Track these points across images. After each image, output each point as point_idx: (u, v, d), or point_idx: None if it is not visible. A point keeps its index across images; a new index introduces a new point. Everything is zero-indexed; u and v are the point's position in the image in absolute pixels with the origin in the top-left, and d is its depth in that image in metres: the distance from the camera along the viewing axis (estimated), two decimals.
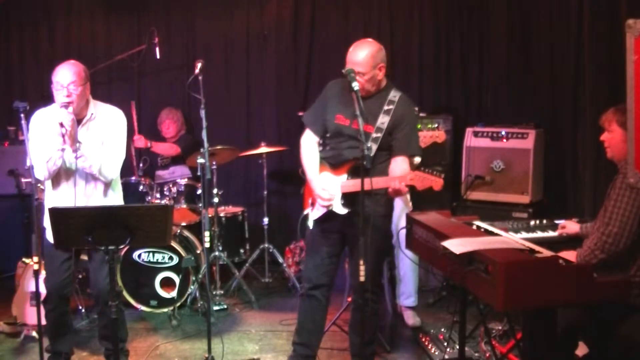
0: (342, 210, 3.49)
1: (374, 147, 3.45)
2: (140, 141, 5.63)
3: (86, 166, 3.58)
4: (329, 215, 3.53)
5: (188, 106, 6.14)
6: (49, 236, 3.54)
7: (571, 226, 3.29)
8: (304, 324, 3.74)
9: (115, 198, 3.81)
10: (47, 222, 3.59)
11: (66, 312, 3.80)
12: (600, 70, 4.51)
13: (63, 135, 3.45)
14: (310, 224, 3.61)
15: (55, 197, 3.68)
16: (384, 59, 3.46)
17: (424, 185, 3.40)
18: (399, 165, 3.48)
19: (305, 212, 3.67)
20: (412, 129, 3.55)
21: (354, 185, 3.35)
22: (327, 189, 3.48)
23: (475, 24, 5.73)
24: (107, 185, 3.73)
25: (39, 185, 3.91)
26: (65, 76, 3.54)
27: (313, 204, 3.60)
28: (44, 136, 3.58)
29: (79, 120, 3.62)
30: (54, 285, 3.67)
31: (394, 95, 3.52)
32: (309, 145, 3.66)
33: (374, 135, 3.45)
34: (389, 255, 4.60)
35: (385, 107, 3.48)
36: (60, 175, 3.64)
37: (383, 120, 3.46)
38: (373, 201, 3.41)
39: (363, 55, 3.39)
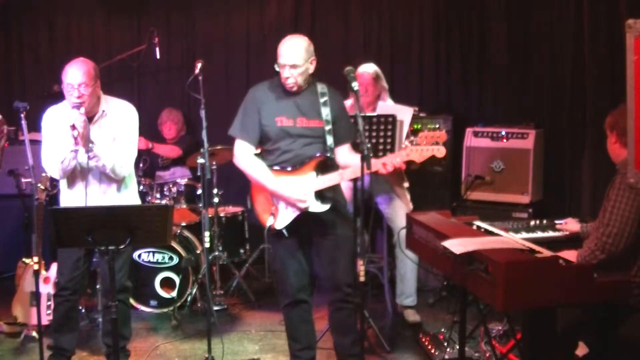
0: (320, 207, 3.42)
1: (331, 139, 3.46)
2: (140, 143, 5.62)
3: (99, 165, 3.57)
4: (299, 217, 3.46)
5: (188, 106, 6.14)
6: None
7: (572, 224, 3.29)
8: (299, 329, 3.67)
9: (130, 195, 3.78)
10: None
11: (75, 308, 3.81)
12: (600, 70, 4.51)
13: (75, 137, 3.43)
14: (285, 232, 3.48)
15: (70, 196, 3.68)
16: (313, 52, 3.49)
17: (424, 157, 3.43)
18: (350, 153, 3.51)
19: (268, 224, 3.48)
20: (347, 115, 3.54)
21: (330, 180, 3.38)
22: (299, 190, 3.40)
23: (475, 24, 5.72)
24: (121, 182, 3.71)
25: (39, 185, 3.92)
26: (76, 77, 3.49)
27: (275, 213, 3.48)
28: (56, 135, 3.56)
29: (90, 118, 3.59)
30: (66, 279, 3.67)
31: (322, 86, 3.53)
32: (250, 156, 3.51)
33: (326, 127, 3.46)
34: (387, 253, 4.62)
35: (321, 100, 3.49)
36: (75, 174, 3.63)
37: (325, 112, 3.46)
38: (336, 192, 3.49)
39: (297, 48, 3.42)
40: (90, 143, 3.51)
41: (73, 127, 3.42)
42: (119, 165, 3.62)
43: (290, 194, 3.40)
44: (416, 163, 4.40)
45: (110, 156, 3.58)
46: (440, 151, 3.45)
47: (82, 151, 3.51)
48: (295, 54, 3.40)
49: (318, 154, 3.45)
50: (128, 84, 6.28)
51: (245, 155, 3.52)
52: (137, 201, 3.88)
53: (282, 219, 3.48)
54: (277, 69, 3.48)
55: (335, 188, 3.52)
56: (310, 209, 3.43)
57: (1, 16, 6.34)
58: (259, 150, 3.59)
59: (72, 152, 3.51)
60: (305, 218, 3.45)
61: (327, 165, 3.46)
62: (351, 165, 3.40)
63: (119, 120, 3.68)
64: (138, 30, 6.25)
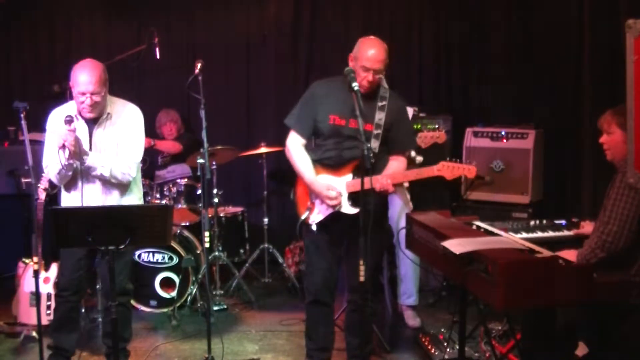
0: (350, 210, 3.46)
1: (376, 144, 3.45)
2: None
3: (98, 174, 3.54)
4: (333, 216, 3.49)
5: (187, 106, 6.14)
6: None
7: (587, 227, 3.27)
8: (317, 329, 3.68)
9: (132, 199, 3.75)
10: None
11: (77, 308, 3.81)
12: (601, 70, 4.52)
13: (66, 156, 3.37)
14: (314, 227, 3.54)
15: (70, 199, 3.65)
16: None
17: (454, 175, 3.47)
18: (400, 163, 3.54)
19: (303, 217, 3.58)
20: (408, 124, 3.56)
21: (367, 183, 3.32)
22: (334, 189, 3.45)
23: (475, 24, 5.72)
24: (125, 187, 3.67)
25: (39, 185, 3.91)
26: (88, 85, 3.43)
27: (312, 208, 3.56)
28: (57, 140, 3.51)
29: (95, 120, 3.57)
30: (67, 280, 3.67)
31: (384, 90, 3.54)
32: (299, 148, 3.58)
33: (375, 132, 3.46)
34: (388, 253, 4.61)
35: (379, 104, 3.49)
36: (75, 179, 3.59)
37: (380, 116, 3.47)
38: (378, 199, 3.44)
39: (384, 53, 3.42)
40: (85, 155, 3.46)
41: (63, 147, 3.35)
42: (119, 171, 3.57)
43: (321, 190, 3.44)
44: (415, 163, 4.41)
45: (108, 163, 3.54)
46: (471, 171, 3.47)
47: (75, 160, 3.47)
48: (383, 60, 3.42)
49: (355, 157, 3.44)
50: (128, 84, 6.26)
51: (294, 146, 3.58)
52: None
53: (316, 214, 3.53)
54: (357, 68, 3.41)
55: (373, 192, 3.43)
56: (342, 210, 3.46)
57: (1, 16, 6.34)
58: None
59: (64, 167, 3.43)
60: (339, 219, 3.48)
61: (361, 169, 3.37)
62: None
63: (124, 123, 3.65)
64: (138, 30, 6.25)
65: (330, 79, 3.62)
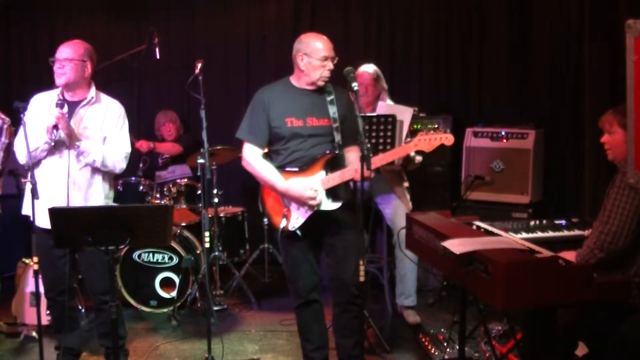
0: (332, 205, 3.43)
1: (339, 137, 3.46)
2: (142, 146, 5.65)
3: (90, 162, 3.57)
4: (312, 217, 3.45)
5: (187, 106, 6.14)
6: (40, 223, 3.41)
7: None
8: (312, 329, 3.65)
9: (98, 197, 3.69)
10: (39, 214, 3.38)
11: (72, 307, 3.81)
12: (600, 70, 4.52)
13: (51, 136, 3.43)
14: (298, 232, 3.47)
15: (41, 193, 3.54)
16: None
17: (433, 146, 3.46)
18: (358, 153, 3.44)
19: (282, 226, 3.48)
20: (356, 115, 3.43)
21: (340, 176, 3.39)
22: (311, 188, 3.40)
23: (475, 24, 5.73)
24: (96, 186, 3.66)
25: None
26: (61, 52, 3.57)
27: (288, 215, 3.48)
28: (36, 121, 3.53)
29: (79, 102, 3.61)
30: (49, 280, 3.66)
31: (327, 85, 3.53)
32: (258, 158, 3.51)
33: (334, 125, 3.46)
34: (388, 254, 4.62)
35: (328, 98, 3.49)
36: (47, 170, 3.58)
37: (333, 110, 3.47)
38: (348, 190, 3.49)
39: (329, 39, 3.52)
40: (77, 141, 3.52)
41: (55, 127, 3.42)
42: (110, 159, 3.61)
43: (301, 193, 3.39)
44: (415, 163, 4.39)
45: (100, 150, 3.58)
46: (449, 139, 3.46)
47: (62, 144, 3.50)
48: (333, 47, 3.50)
49: (327, 152, 3.44)
50: (128, 84, 6.28)
51: (254, 158, 3.52)
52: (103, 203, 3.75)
53: (295, 219, 3.47)
54: (312, 63, 3.44)
55: (346, 186, 3.50)
56: (322, 208, 3.42)
57: (1, 16, 6.34)
58: (265, 150, 3.59)
59: (46, 144, 3.48)
60: (317, 218, 3.45)
61: (336, 162, 3.45)
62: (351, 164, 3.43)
63: (108, 115, 3.67)
64: (138, 30, 6.25)
65: (273, 83, 3.63)
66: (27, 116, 3.53)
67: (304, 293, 3.59)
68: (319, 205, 3.42)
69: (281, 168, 3.48)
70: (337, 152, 3.46)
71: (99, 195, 3.68)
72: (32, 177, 3.36)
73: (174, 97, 6.20)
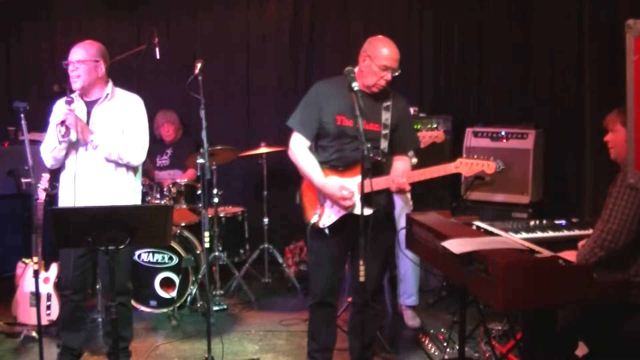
0: (365, 211, 3.33)
1: (385, 144, 3.43)
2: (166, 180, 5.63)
3: (106, 155, 3.61)
4: (344, 218, 3.42)
5: (187, 106, 6.12)
6: None
7: None
8: (320, 330, 3.64)
9: (127, 194, 3.75)
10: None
11: (81, 308, 3.82)
12: (600, 70, 4.51)
13: (62, 133, 3.49)
14: (326, 231, 3.45)
15: (62, 194, 3.69)
16: None
17: (473, 172, 3.46)
18: (405, 163, 3.53)
19: (313, 220, 3.47)
20: (412, 123, 3.52)
21: (375, 183, 3.25)
22: (347, 189, 3.37)
23: (475, 24, 5.72)
24: (121, 181, 3.71)
25: (38, 185, 3.92)
26: (74, 54, 3.62)
27: (321, 211, 3.46)
28: (52, 125, 3.62)
29: (94, 102, 3.66)
30: (67, 279, 3.69)
31: (387, 90, 3.51)
32: (304, 150, 3.48)
33: (383, 132, 3.43)
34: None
35: (384, 104, 3.47)
36: (68, 174, 3.66)
37: (386, 116, 3.44)
38: (387, 199, 3.43)
39: (398, 51, 3.45)
40: (89, 133, 3.57)
41: (62, 123, 3.47)
42: (126, 152, 3.64)
43: (334, 192, 3.37)
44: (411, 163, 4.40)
45: (115, 143, 3.61)
46: (490, 167, 3.44)
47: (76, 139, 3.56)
48: (399, 59, 3.46)
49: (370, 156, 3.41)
50: (128, 84, 6.23)
51: (299, 149, 3.49)
52: (137, 201, 3.87)
53: (326, 217, 3.45)
54: (372, 67, 3.40)
55: (384, 193, 3.44)
56: (355, 211, 3.37)
57: (1, 16, 6.34)
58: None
59: (61, 143, 3.55)
60: (349, 221, 3.39)
61: (377, 169, 3.36)
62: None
63: (126, 109, 3.72)
64: (138, 30, 6.25)
65: (332, 79, 3.56)
66: (50, 120, 3.65)
67: (320, 293, 3.58)
68: (352, 207, 3.40)
69: (324, 164, 3.47)
70: (379, 158, 3.40)
71: (125, 189, 3.73)
72: (57, 180, 3.54)
73: (173, 97, 6.19)
